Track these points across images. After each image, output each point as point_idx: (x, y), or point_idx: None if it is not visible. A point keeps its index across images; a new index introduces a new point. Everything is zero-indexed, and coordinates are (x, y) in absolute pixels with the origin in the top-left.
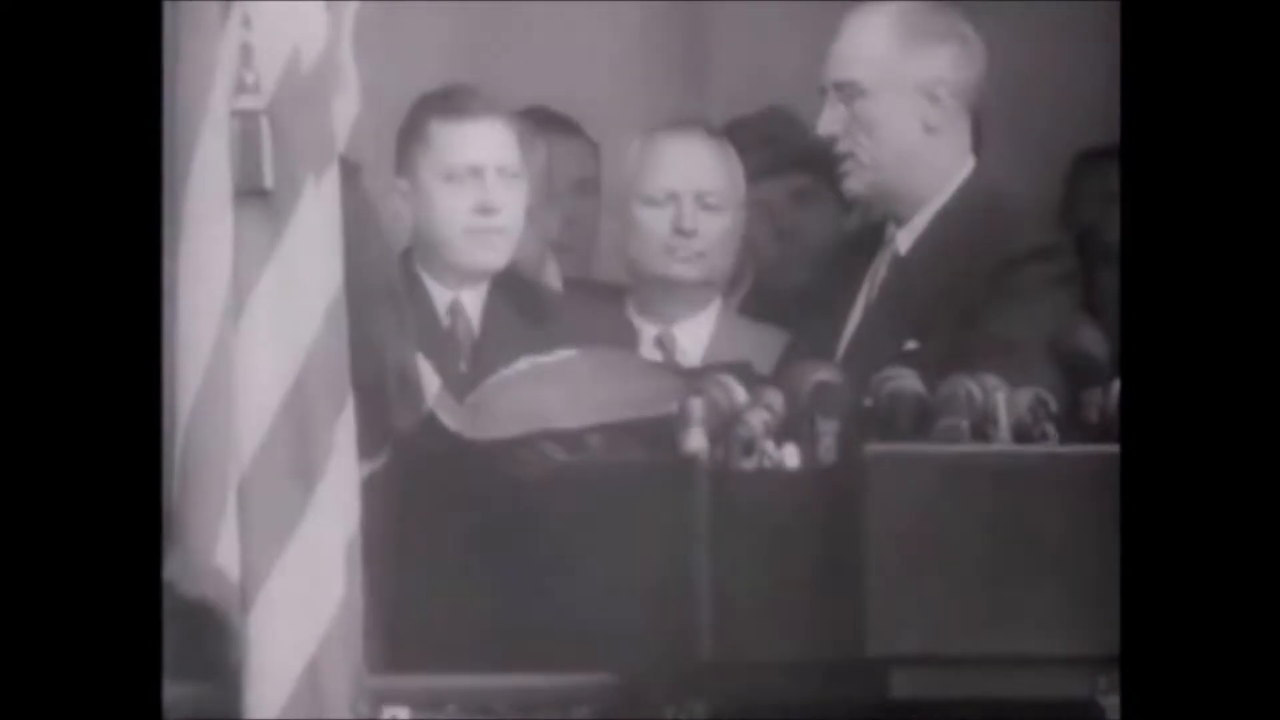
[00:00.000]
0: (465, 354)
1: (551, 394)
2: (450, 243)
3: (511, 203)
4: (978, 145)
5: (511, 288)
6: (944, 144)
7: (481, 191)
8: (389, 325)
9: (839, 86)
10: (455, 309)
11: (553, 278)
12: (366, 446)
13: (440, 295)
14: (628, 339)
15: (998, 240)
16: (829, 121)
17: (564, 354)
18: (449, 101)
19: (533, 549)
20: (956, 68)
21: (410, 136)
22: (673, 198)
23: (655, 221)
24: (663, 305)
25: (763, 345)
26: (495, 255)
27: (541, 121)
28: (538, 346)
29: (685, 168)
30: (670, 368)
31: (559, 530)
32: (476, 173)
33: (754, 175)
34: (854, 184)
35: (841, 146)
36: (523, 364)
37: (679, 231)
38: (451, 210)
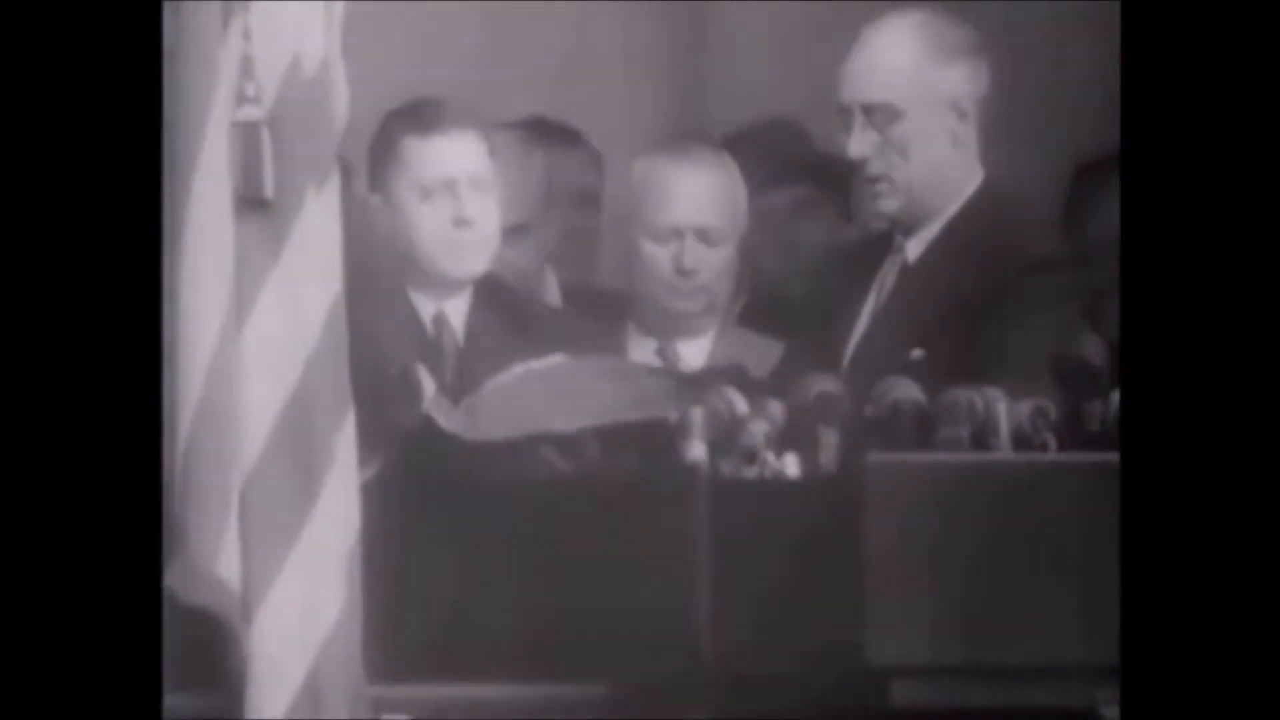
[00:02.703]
0: (451, 363)
1: (547, 397)
2: (429, 256)
3: (486, 213)
4: (985, 155)
5: (496, 297)
6: (962, 156)
7: (456, 205)
8: (389, 326)
9: (869, 109)
10: (440, 320)
11: (551, 289)
12: (366, 451)
13: (424, 306)
14: (625, 349)
15: (1004, 250)
16: (860, 144)
17: (558, 358)
18: (418, 116)
19: (534, 559)
20: (976, 79)
21: (382, 153)
22: (675, 234)
23: (657, 258)
24: (663, 326)
25: (764, 356)
26: (474, 264)
27: (542, 131)
28: (526, 355)
29: (688, 202)
30: (665, 371)
31: (560, 540)
32: (450, 186)
33: (757, 186)
34: (887, 205)
35: (874, 169)
36: (518, 368)
37: (680, 271)
38: (428, 225)
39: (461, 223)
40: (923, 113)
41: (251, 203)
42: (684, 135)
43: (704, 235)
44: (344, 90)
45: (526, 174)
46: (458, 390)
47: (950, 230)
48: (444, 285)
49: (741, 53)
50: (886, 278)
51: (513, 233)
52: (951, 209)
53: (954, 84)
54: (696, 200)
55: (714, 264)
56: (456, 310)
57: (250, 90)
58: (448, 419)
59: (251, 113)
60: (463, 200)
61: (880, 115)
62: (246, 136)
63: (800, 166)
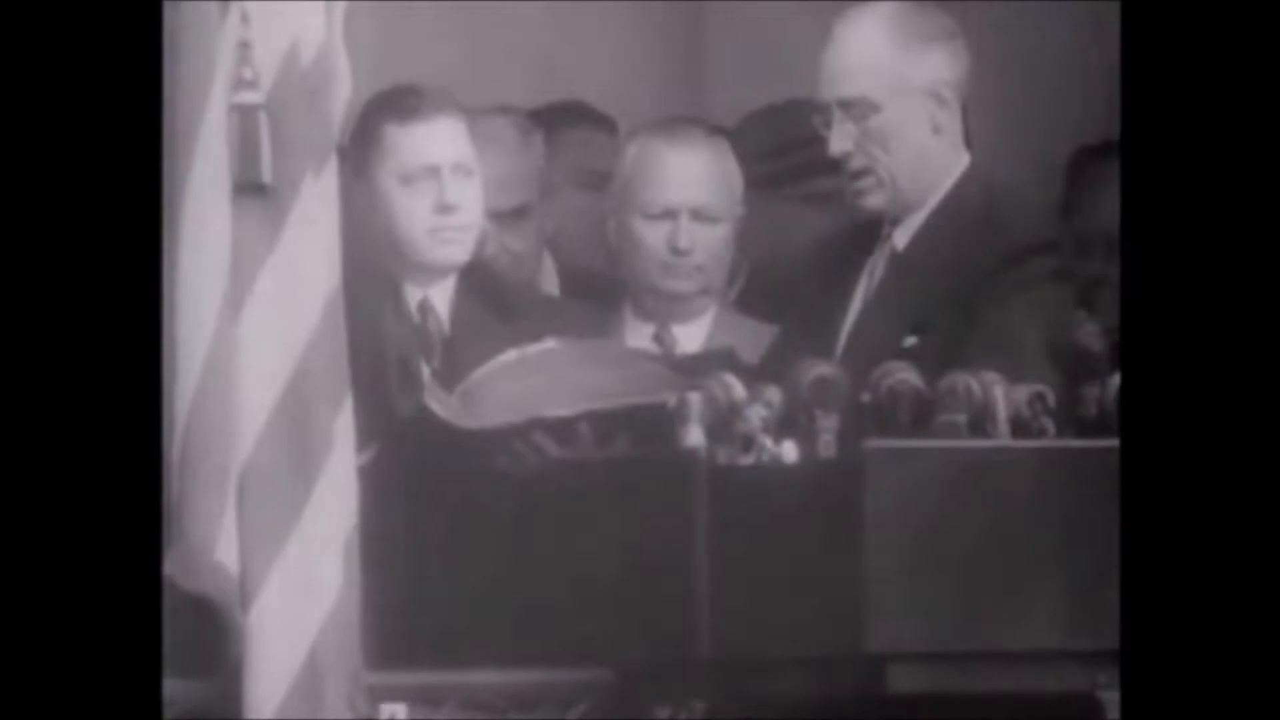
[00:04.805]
0: (438, 350)
1: (540, 382)
2: (413, 243)
3: (470, 199)
4: (969, 139)
5: (483, 283)
6: (946, 142)
7: (439, 191)
8: (388, 312)
9: (846, 104)
10: (425, 306)
11: (548, 274)
12: (362, 436)
13: (409, 293)
14: (621, 334)
15: (994, 235)
16: (840, 140)
17: (551, 343)
18: (399, 103)
19: (531, 545)
20: (952, 65)
21: (363, 141)
22: (669, 214)
23: (651, 237)
24: (660, 309)
25: (759, 341)
26: (458, 251)
27: (568, 115)
28: (515, 341)
29: (682, 181)
30: (658, 356)
31: (558, 526)
32: (432, 172)
33: (767, 169)
34: (874, 200)
35: (856, 163)
36: (510, 354)
37: (675, 251)
38: (411, 212)
39: (444, 209)
40: (900, 103)
41: (249, 188)
42: (678, 118)
43: (699, 214)
44: (346, 78)
45: (525, 158)
46: (445, 377)
47: (938, 216)
48: (428, 272)
49: (744, 39)
50: (877, 265)
51: (511, 216)
52: (938, 194)
53: (930, 71)
54: (691, 179)
55: (709, 244)
56: (442, 296)
57: (248, 75)
58: (443, 406)
59: (249, 97)
60: (445, 186)
61: (857, 109)
62: (244, 119)
63: (808, 152)
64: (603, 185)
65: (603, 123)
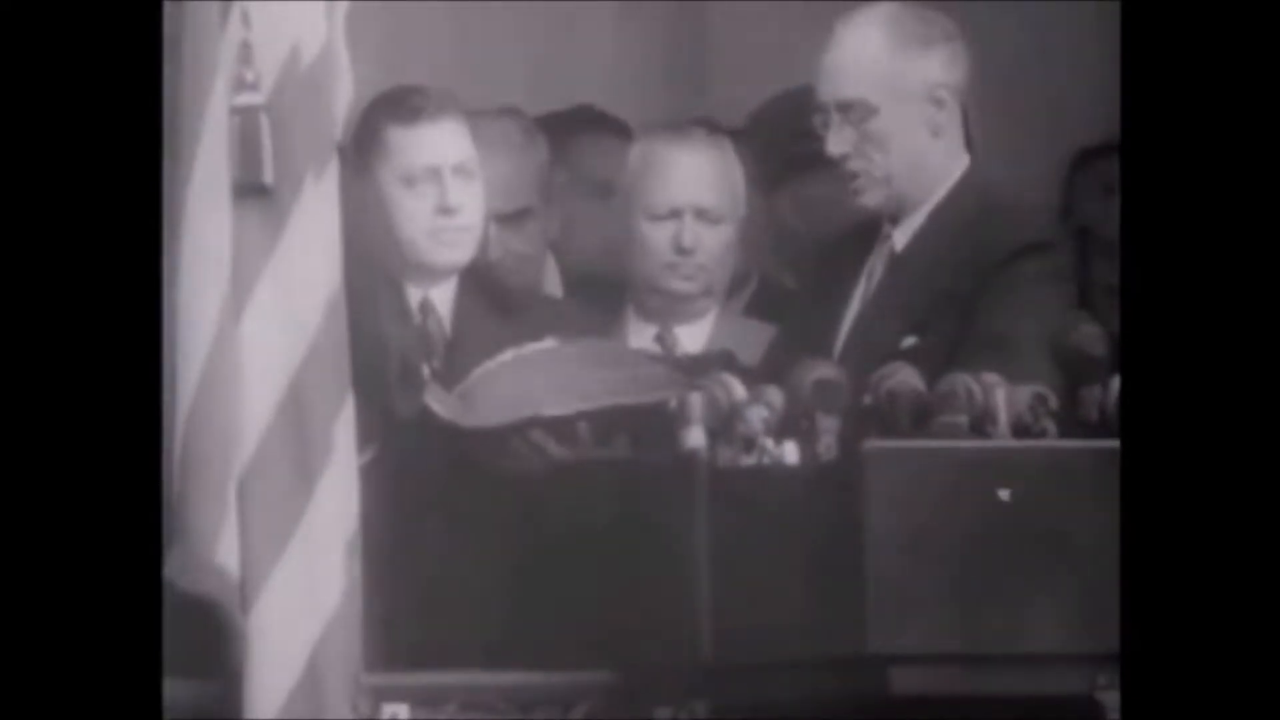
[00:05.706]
0: (439, 351)
1: (540, 381)
2: (414, 244)
3: (471, 201)
4: (969, 141)
5: (484, 284)
6: (945, 144)
7: (440, 192)
8: (390, 311)
9: (844, 106)
10: (426, 307)
11: (552, 275)
12: (363, 438)
13: (411, 294)
14: (623, 335)
15: (993, 236)
16: (838, 142)
17: (550, 342)
18: (400, 104)
19: (533, 547)
20: (952, 68)
21: (365, 142)
22: (674, 214)
23: (656, 237)
24: (662, 310)
25: (763, 343)
26: (459, 253)
27: (566, 121)
28: (515, 342)
29: (686, 181)
30: (657, 356)
31: (559, 528)
32: (434, 174)
33: (768, 165)
34: (870, 199)
35: (853, 164)
36: (508, 354)
37: (679, 250)
38: (412, 213)
39: (445, 210)
40: (898, 106)
41: (251, 190)
42: (682, 119)
43: (703, 214)
44: (347, 80)
45: (529, 160)
46: (446, 378)
47: (937, 217)
48: (429, 273)
49: (746, 41)
50: (876, 266)
51: (515, 219)
52: (937, 196)
53: (928, 74)
54: (695, 180)
55: (712, 244)
56: (443, 298)
57: (249, 77)
58: (444, 406)
59: (250, 99)
60: (447, 188)
61: (855, 112)
62: (246, 121)
63: (815, 146)
64: (615, 190)
65: (615, 128)
